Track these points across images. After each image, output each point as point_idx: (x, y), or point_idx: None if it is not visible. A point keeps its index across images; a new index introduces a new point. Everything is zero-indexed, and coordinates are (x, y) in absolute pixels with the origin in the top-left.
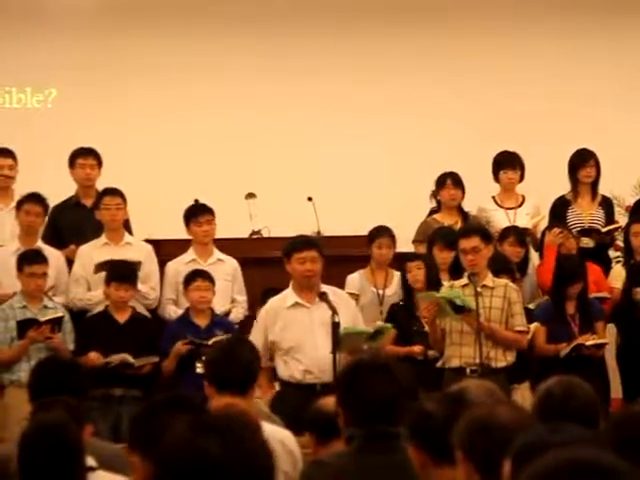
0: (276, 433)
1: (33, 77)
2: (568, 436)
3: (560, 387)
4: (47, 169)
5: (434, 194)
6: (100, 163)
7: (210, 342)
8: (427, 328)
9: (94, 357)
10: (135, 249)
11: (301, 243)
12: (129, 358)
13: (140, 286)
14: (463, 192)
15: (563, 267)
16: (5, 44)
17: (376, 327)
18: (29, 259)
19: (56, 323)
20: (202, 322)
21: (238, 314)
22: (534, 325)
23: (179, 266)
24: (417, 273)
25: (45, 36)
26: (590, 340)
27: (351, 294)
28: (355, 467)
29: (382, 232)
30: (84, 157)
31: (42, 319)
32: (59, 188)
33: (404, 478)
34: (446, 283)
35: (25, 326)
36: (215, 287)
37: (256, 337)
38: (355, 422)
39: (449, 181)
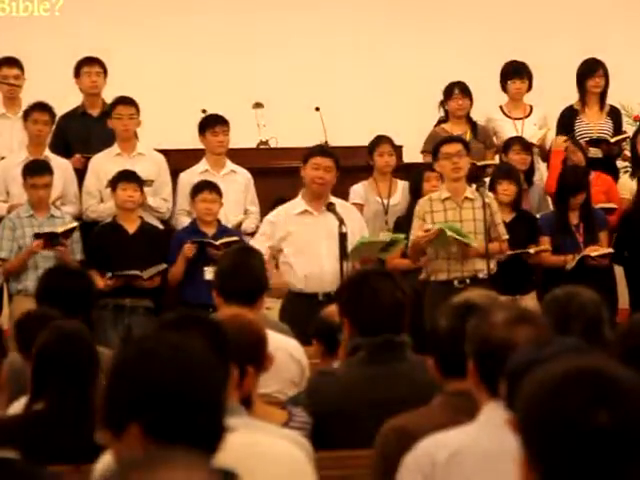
0: (283, 343)
1: None
2: (559, 348)
3: (563, 292)
4: (55, 78)
5: (442, 104)
6: (105, 72)
7: (217, 242)
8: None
9: (99, 281)
10: (148, 159)
11: (319, 150)
12: (137, 272)
13: (150, 200)
14: (471, 101)
15: (566, 178)
16: None
17: (392, 237)
18: (31, 170)
19: (69, 233)
20: (209, 231)
21: (251, 224)
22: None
23: (192, 177)
24: (436, 184)
25: None
26: (595, 251)
27: (356, 204)
28: (361, 377)
29: (382, 140)
30: (89, 65)
31: (59, 230)
32: (66, 98)
33: (411, 387)
34: (424, 197)
35: (41, 238)
36: (228, 199)
37: (261, 242)
38: (360, 332)
39: (457, 90)
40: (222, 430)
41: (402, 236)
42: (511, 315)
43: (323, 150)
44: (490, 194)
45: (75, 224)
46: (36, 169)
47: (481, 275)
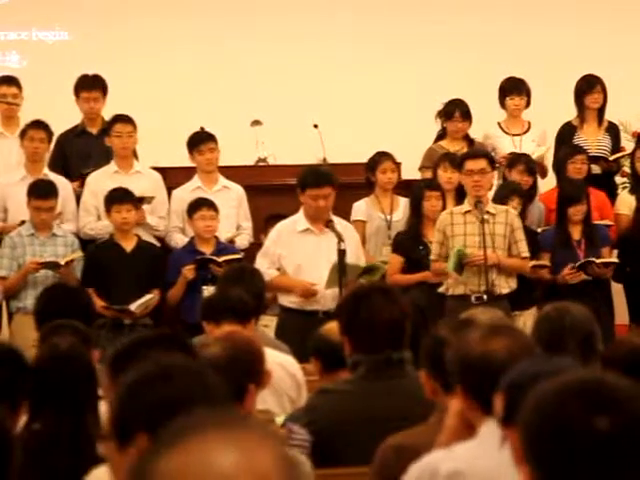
0: (277, 357)
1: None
2: (560, 365)
3: (555, 309)
4: (54, 96)
5: (440, 114)
6: (105, 93)
7: (221, 260)
8: (432, 256)
9: (97, 300)
10: (145, 177)
11: (316, 180)
12: (130, 307)
13: (149, 218)
14: (470, 123)
15: (565, 189)
16: None
17: (370, 264)
18: (36, 192)
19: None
20: (207, 249)
21: (244, 240)
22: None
23: (184, 194)
24: (436, 204)
25: None
26: (600, 259)
27: (358, 221)
28: (361, 393)
29: (384, 157)
30: (88, 91)
31: (62, 261)
32: (66, 116)
33: (410, 403)
34: (445, 211)
35: (46, 266)
36: (221, 214)
37: (265, 253)
38: (360, 348)
39: (457, 113)
40: None
41: (382, 265)
42: (486, 329)
43: (318, 179)
44: (513, 210)
45: (79, 254)
46: (42, 192)
47: (498, 291)
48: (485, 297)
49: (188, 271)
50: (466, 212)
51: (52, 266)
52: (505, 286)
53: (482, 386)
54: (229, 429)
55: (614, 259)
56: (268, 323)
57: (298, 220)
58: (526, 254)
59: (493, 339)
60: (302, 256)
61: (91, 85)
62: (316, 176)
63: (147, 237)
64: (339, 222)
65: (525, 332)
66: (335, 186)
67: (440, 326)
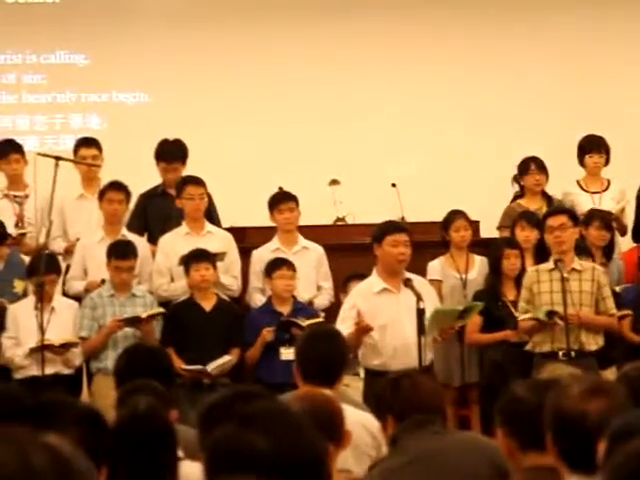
0: (358, 417)
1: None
2: None
3: (635, 369)
4: (133, 158)
5: (516, 179)
6: (184, 160)
7: (304, 324)
8: (516, 313)
9: (176, 360)
10: (217, 238)
11: (394, 227)
12: (206, 368)
13: (222, 277)
14: (547, 176)
15: None
16: (97, 47)
17: (465, 305)
18: (116, 252)
19: (153, 317)
20: (284, 310)
21: (324, 300)
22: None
23: (265, 254)
24: (515, 262)
25: (134, 37)
26: None
27: (433, 280)
28: None
29: (457, 215)
30: (167, 162)
31: (144, 315)
32: (146, 177)
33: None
34: (531, 268)
35: (128, 322)
36: (300, 275)
37: (344, 319)
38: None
39: (533, 166)
40: None
41: (478, 303)
42: (586, 387)
43: (398, 226)
44: (599, 267)
45: (161, 310)
46: (121, 252)
47: (586, 348)
48: (573, 354)
49: (267, 333)
50: (551, 269)
51: (134, 322)
52: (592, 343)
53: (570, 443)
54: None
55: None
56: (348, 382)
57: (373, 282)
58: (614, 311)
59: (592, 398)
60: (385, 317)
61: (171, 157)
62: (394, 224)
63: (223, 297)
64: (415, 278)
65: (622, 390)
66: (411, 238)
67: (517, 385)
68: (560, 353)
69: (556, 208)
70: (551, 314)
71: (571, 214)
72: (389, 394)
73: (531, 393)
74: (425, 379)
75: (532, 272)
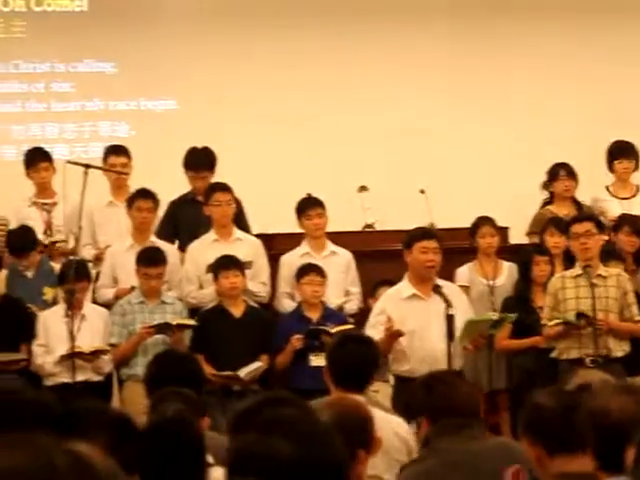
0: (389, 422)
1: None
2: None
3: None
4: (162, 165)
5: (545, 185)
6: (213, 168)
7: (333, 331)
8: (544, 320)
9: (206, 367)
10: (245, 244)
11: (424, 233)
12: (239, 374)
13: (250, 284)
14: (576, 182)
15: None
16: (125, 55)
17: (500, 315)
18: (145, 260)
19: (184, 327)
20: (314, 315)
21: (353, 306)
22: None
23: (293, 259)
24: (545, 269)
25: (161, 44)
26: None
27: (461, 287)
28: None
29: (484, 221)
30: (195, 171)
31: (173, 322)
32: (175, 184)
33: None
34: (556, 274)
35: (158, 329)
36: (329, 280)
37: (373, 325)
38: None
39: (562, 172)
40: None
41: (512, 315)
42: (621, 391)
43: (427, 232)
44: (625, 274)
45: (192, 322)
46: (151, 259)
47: (613, 354)
48: (600, 360)
49: (296, 341)
50: (577, 276)
51: (164, 328)
52: (619, 349)
53: (610, 449)
54: None
55: None
56: (378, 388)
57: (403, 287)
58: (638, 317)
59: (630, 402)
60: (413, 323)
61: (199, 165)
62: (424, 231)
63: (250, 303)
64: (445, 284)
65: None
66: (441, 245)
67: (538, 393)
68: (587, 360)
69: (581, 215)
70: (579, 316)
71: (596, 221)
72: (424, 395)
73: (553, 400)
74: (461, 381)
75: (557, 279)
